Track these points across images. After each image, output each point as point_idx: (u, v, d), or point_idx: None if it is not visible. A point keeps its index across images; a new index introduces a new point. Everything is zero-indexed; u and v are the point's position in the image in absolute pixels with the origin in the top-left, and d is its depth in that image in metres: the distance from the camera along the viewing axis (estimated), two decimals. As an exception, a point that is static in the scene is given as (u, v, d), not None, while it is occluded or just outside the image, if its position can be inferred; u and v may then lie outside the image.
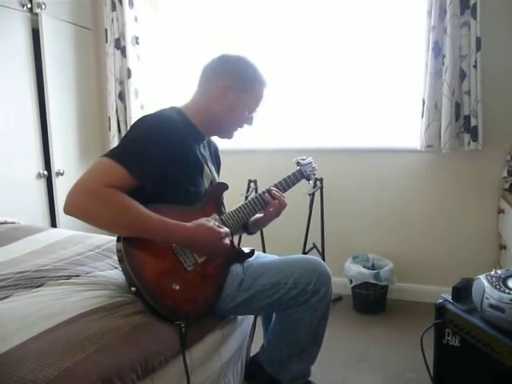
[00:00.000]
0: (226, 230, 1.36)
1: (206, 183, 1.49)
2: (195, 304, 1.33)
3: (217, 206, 1.50)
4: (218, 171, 1.67)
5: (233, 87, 1.44)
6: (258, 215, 1.60)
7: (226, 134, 1.55)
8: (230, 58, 1.49)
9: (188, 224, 1.29)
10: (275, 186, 1.59)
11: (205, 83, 1.48)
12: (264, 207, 1.54)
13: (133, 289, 1.26)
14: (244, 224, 1.59)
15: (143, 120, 1.35)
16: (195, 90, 1.51)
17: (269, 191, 1.55)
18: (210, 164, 1.55)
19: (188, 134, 1.41)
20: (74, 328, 1.17)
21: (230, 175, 1.75)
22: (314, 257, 1.50)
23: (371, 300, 2.70)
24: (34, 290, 1.41)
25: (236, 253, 1.48)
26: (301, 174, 1.65)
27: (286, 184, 1.61)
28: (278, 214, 1.58)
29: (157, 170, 1.31)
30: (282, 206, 1.56)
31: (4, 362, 1.02)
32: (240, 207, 1.51)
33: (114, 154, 1.27)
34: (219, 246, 1.33)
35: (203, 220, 1.33)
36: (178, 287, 1.29)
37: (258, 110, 1.53)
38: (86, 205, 1.21)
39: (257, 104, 1.51)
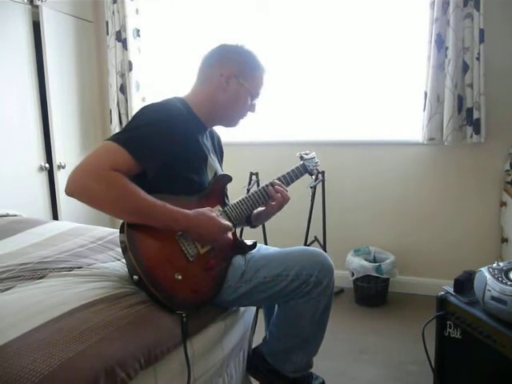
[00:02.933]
0: (228, 223, 1.36)
1: (210, 174, 1.49)
2: (197, 294, 1.33)
3: (220, 197, 1.49)
4: (220, 161, 1.66)
5: (235, 75, 1.44)
6: (260, 208, 1.60)
7: (231, 122, 1.54)
8: (229, 47, 1.49)
9: (190, 211, 1.30)
10: (278, 179, 1.58)
11: (206, 73, 1.48)
12: (267, 200, 1.54)
13: (135, 277, 1.27)
14: (247, 217, 1.58)
15: (148, 108, 1.35)
16: (195, 81, 1.50)
17: (272, 185, 1.54)
18: (212, 155, 1.55)
19: (192, 124, 1.41)
20: (76, 319, 1.17)
21: (231, 167, 1.75)
22: (316, 248, 1.50)
23: (373, 293, 2.71)
24: (37, 281, 1.41)
25: (238, 245, 1.48)
26: (304, 169, 1.64)
27: (290, 178, 1.60)
28: (280, 208, 1.57)
29: (160, 157, 1.30)
30: (284, 200, 1.55)
31: (6, 353, 1.02)
32: (243, 199, 1.50)
33: (117, 138, 1.26)
34: (220, 238, 1.35)
35: (206, 209, 1.34)
36: (180, 277, 1.29)
37: (259, 97, 1.53)
38: (89, 186, 1.19)
39: (258, 90, 1.51)
